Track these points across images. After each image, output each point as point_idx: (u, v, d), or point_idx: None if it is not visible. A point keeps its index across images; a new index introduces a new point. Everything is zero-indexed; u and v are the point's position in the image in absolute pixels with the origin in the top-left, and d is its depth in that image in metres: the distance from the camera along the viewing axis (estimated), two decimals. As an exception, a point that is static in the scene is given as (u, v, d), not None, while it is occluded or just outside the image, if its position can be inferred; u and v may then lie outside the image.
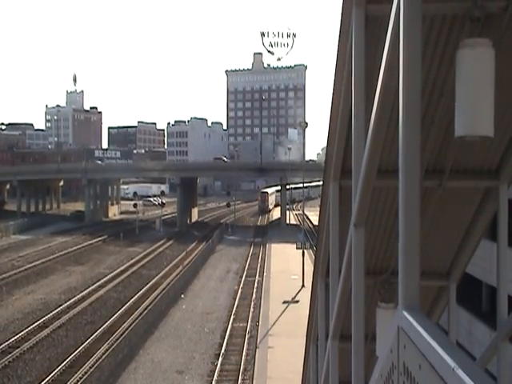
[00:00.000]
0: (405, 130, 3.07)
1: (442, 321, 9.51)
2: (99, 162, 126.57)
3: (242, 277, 48.75)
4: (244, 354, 29.17)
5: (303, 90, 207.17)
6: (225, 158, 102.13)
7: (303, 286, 42.84)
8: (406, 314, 2.80)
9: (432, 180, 6.49)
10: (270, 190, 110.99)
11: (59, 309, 36.69)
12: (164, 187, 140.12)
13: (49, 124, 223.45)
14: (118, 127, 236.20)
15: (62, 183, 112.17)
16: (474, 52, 3.93)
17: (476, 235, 7.70)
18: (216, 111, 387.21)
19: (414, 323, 2.61)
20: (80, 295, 40.72)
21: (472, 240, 7.78)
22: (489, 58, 3.92)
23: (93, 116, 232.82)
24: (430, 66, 5.18)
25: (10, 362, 27.38)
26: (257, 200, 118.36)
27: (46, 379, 25.14)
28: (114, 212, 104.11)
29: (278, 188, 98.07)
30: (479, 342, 18.39)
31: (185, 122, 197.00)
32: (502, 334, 6.39)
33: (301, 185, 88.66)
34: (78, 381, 24.68)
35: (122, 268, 51.80)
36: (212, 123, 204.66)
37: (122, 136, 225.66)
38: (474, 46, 3.95)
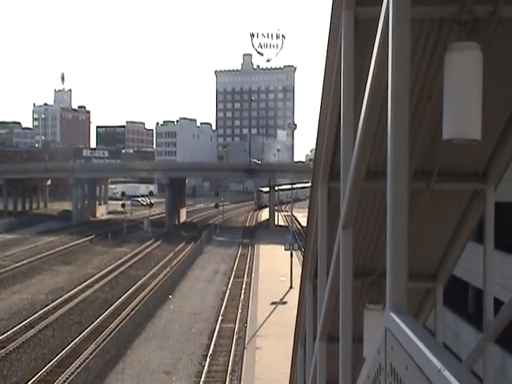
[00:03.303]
0: (393, 132, 3.09)
1: (428, 322, 9.55)
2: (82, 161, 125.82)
3: (230, 278, 48.70)
4: (232, 354, 29.13)
5: (292, 91, 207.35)
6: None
7: (291, 287, 42.86)
8: (393, 315, 2.81)
9: (420, 182, 6.52)
10: (265, 189, 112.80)
11: (46, 309, 36.47)
12: (152, 187, 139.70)
13: (36, 123, 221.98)
14: (107, 126, 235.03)
15: (49, 182, 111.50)
16: (462, 55, 3.97)
17: (463, 237, 7.74)
18: (205, 112, 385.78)
19: (402, 325, 2.63)
20: (67, 295, 40.49)
21: (459, 242, 7.82)
22: (477, 62, 3.95)
23: (81, 115, 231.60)
24: (419, 69, 5.21)
25: (-5, 362, 27.21)
26: (246, 201, 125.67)
27: (33, 379, 24.98)
28: (101, 212, 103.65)
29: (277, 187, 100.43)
30: (466, 344, 18.50)
31: (173, 122, 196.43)
32: (487, 335, 6.43)
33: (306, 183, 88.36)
34: (64, 381, 24.53)
35: (109, 268, 51.58)
36: (201, 124, 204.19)
37: (111, 135, 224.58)
38: (462, 50, 3.98)
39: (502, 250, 14.81)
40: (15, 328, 32.05)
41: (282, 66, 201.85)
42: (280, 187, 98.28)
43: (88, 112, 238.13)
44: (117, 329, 31.54)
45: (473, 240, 8.77)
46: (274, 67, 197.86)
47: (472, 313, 20.29)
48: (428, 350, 2.21)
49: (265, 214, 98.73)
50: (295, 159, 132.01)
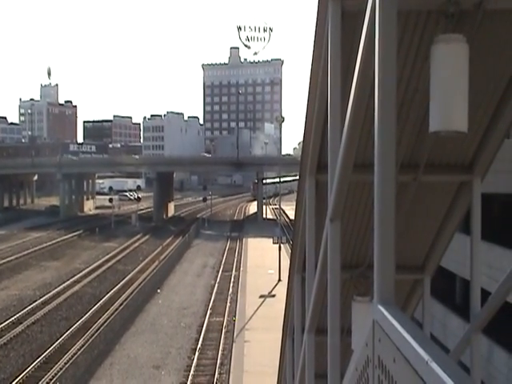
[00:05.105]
0: (380, 125, 3.08)
1: (416, 314, 9.61)
2: (72, 156, 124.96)
3: (218, 271, 48.73)
4: (221, 348, 29.18)
5: (280, 84, 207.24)
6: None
7: (280, 280, 42.97)
8: (381, 307, 2.81)
9: (407, 174, 6.54)
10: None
11: (34, 305, 36.30)
12: (140, 182, 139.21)
13: (23, 118, 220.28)
14: (94, 121, 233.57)
15: (36, 178, 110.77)
16: (448, 47, 3.97)
17: (450, 229, 7.78)
18: (192, 105, 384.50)
19: (389, 317, 2.63)
20: (55, 291, 40.32)
21: (446, 233, 7.86)
22: (463, 54, 3.96)
23: (67, 110, 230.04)
24: (405, 62, 5.21)
25: (-17, 358, 27.04)
26: (234, 194, 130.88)
27: (21, 376, 24.87)
28: (89, 207, 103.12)
29: (273, 180, 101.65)
30: (453, 334, 18.65)
31: (161, 116, 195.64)
32: (475, 326, 6.47)
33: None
34: (53, 377, 24.45)
35: (97, 263, 51.39)
36: (188, 117, 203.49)
37: (98, 130, 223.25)
38: (448, 42, 3.98)
39: (488, 240, 14.93)
40: (3, 324, 31.88)
41: (269, 59, 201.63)
42: (276, 179, 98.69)
43: (75, 107, 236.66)
44: (105, 324, 31.47)
45: (460, 231, 8.83)
46: (261, 60, 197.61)
47: (459, 303, 20.46)
48: (415, 342, 2.21)
49: (253, 208, 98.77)
50: (283, 152, 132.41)
